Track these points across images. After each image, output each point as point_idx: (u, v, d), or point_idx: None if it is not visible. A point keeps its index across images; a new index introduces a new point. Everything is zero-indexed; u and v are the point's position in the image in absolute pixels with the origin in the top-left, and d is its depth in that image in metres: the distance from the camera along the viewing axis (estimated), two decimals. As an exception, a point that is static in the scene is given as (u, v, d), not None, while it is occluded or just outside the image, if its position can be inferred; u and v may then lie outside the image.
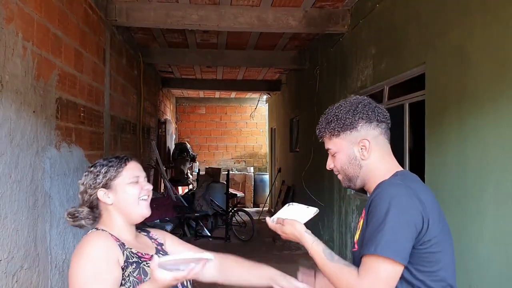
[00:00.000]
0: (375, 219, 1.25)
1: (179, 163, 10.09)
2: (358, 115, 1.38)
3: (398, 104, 3.69)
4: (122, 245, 1.42)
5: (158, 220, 6.61)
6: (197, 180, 8.60)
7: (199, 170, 10.04)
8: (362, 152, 1.39)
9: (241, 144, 12.74)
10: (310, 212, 1.49)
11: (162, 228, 5.63)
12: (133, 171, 1.51)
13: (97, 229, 1.46)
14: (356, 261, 1.34)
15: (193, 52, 6.77)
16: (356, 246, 1.37)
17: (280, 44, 6.35)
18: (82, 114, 3.61)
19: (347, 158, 1.40)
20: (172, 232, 6.82)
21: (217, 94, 11.83)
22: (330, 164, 1.47)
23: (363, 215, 1.40)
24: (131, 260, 1.40)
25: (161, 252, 1.55)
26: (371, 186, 1.41)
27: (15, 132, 2.44)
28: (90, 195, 1.48)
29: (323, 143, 1.49)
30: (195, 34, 5.86)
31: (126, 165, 1.50)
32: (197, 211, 7.40)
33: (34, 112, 2.67)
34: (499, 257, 2.27)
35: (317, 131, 1.47)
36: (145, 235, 1.61)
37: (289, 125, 8.42)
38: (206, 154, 12.67)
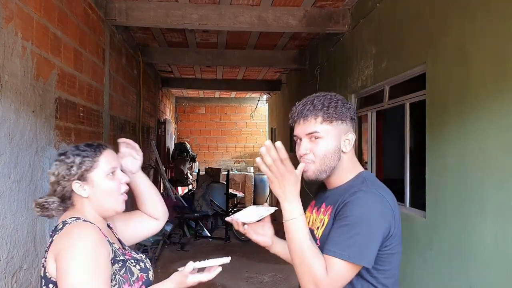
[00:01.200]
0: (349, 223, 1.26)
1: (179, 163, 10.08)
2: (350, 111, 1.42)
3: (398, 103, 3.68)
4: (108, 239, 1.37)
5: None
6: (197, 180, 8.59)
7: (199, 170, 10.04)
8: (345, 145, 1.40)
9: (241, 144, 12.73)
10: (269, 210, 1.50)
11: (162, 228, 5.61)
12: (109, 161, 1.42)
13: (78, 218, 1.36)
14: None
15: (193, 51, 6.76)
16: (318, 242, 1.36)
17: (280, 43, 6.34)
18: (81, 114, 3.60)
19: (334, 147, 1.38)
20: (172, 232, 6.82)
21: (217, 94, 11.81)
22: (306, 149, 1.40)
23: (328, 212, 1.39)
24: (118, 258, 1.36)
25: (125, 243, 1.53)
26: (335, 180, 1.43)
27: (14, 132, 2.43)
28: (64, 187, 1.38)
29: None
30: (195, 34, 5.85)
31: (101, 154, 1.42)
32: (197, 211, 7.39)
33: (33, 112, 2.66)
34: (499, 257, 2.26)
35: (306, 110, 1.40)
36: (108, 228, 1.53)
37: (289, 125, 8.40)
38: (206, 154, 12.66)
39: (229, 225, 7.46)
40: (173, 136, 11.48)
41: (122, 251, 1.42)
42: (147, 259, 1.53)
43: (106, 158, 1.42)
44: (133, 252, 1.50)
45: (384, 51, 3.81)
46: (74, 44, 3.42)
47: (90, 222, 1.36)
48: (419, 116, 3.30)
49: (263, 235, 1.52)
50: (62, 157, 1.40)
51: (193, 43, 6.40)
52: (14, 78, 2.42)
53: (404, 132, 3.55)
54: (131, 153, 1.60)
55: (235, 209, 7.73)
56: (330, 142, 1.38)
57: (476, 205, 2.47)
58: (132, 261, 1.41)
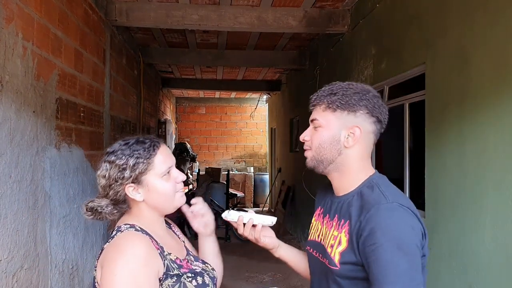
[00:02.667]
0: (384, 254, 1.10)
1: (179, 163, 10.07)
2: (364, 101, 1.25)
3: (398, 104, 3.68)
4: (162, 251, 1.24)
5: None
6: (197, 180, 8.60)
7: (199, 170, 10.05)
8: (348, 138, 1.26)
9: (241, 144, 12.74)
10: (272, 221, 1.43)
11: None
12: (165, 160, 1.29)
13: (131, 226, 1.25)
14: (332, 279, 1.24)
15: (193, 52, 6.77)
16: (338, 265, 1.21)
17: (280, 44, 6.35)
18: (82, 114, 3.61)
19: (330, 138, 1.26)
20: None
21: (217, 94, 11.82)
22: (306, 136, 1.32)
23: (344, 229, 1.23)
24: (171, 273, 1.22)
25: (190, 252, 1.41)
26: (342, 182, 1.30)
27: (15, 132, 2.44)
28: (117, 192, 1.26)
29: None
30: (195, 34, 5.86)
31: (156, 153, 1.28)
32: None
33: (34, 112, 2.67)
34: (499, 257, 2.27)
35: (315, 96, 1.31)
36: (168, 228, 1.44)
37: (289, 125, 8.42)
38: (206, 154, 12.67)
39: (229, 225, 7.48)
40: (173, 136, 11.49)
41: (180, 261, 1.28)
42: (213, 271, 1.40)
43: (161, 158, 1.29)
44: (196, 263, 1.37)
45: (383, 52, 3.82)
46: (75, 45, 3.43)
47: (143, 231, 1.24)
48: (419, 116, 3.31)
49: (270, 237, 1.45)
50: (113, 157, 1.27)
51: (193, 44, 6.41)
52: (15, 78, 2.42)
53: (403, 132, 3.56)
54: (203, 216, 1.48)
55: (235, 209, 7.72)
56: (328, 132, 1.26)
57: (476, 205, 2.47)
58: (189, 274, 1.27)
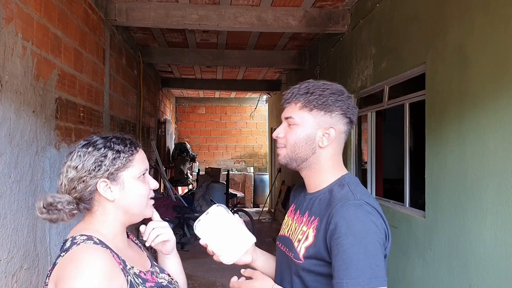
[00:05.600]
0: (349, 247, 1.11)
1: (179, 163, 10.09)
2: (339, 102, 1.27)
3: (398, 104, 3.68)
4: (124, 266, 1.11)
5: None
6: (197, 180, 8.59)
7: (199, 170, 10.04)
8: (322, 138, 1.27)
9: (241, 144, 12.74)
10: (250, 241, 1.34)
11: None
12: (143, 162, 1.21)
13: (89, 238, 1.10)
14: (295, 270, 1.25)
15: (193, 52, 6.77)
16: (302, 259, 1.22)
17: (280, 44, 6.34)
18: (81, 114, 3.60)
19: (305, 137, 1.27)
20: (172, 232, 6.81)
21: (217, 94, 11.82)
22: (280, 133, 1.32)
23: (313, 225, 1.23)
24: None
25: (154, 262, 1.32)
26: (314, 180, 1.31)
27: (14, 132, 2.43)
28: (86, 187, 1.12)
29: None
30: (195, 34, 5.85)
31: (137, 151, 1.20)
32: (197, 211, 7.39)
33: (33, 112, 2.66)
34: (499, 257, 2.27)
35: (290, 94, 1.32)
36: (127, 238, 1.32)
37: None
38: (206, 154, 12.67)
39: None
40: (173, 136, 11.49)
41: (144, 274, 1.18)
42: (177, 284, 1.30)
43: (140, 157, 1.20)
44: (162, 275, 1.26)
45: (383, 51, 3.82)
46: (75, 44, 3.43)
47: (103, 245, 1.10)
48: (419, 116, 3.30)
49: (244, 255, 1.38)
50: (90, 148, 1.14)
51: (193, 43, 6.41)
52: (15, 78, 2.42)
53: (403, 132, 3.56)
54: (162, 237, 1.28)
55: (235, 209, 7.74)
56: (304, 131, 1.27)
57: (476, 205, 2.47)
58: (152, 286, 1.17)
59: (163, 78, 9.14)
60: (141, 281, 1.14)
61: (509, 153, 2.19)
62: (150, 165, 7.27)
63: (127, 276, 1.10)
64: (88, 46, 3.78)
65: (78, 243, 1.09)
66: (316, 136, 1.27)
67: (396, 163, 3.81)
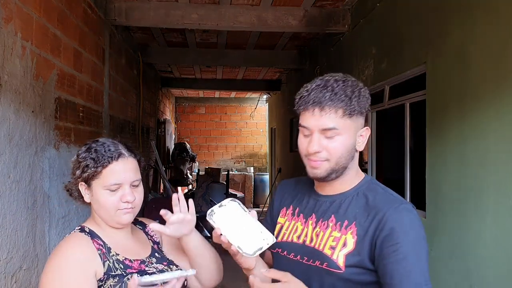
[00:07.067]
0: (407, 253, 1.09)
1: (179, 163, 10.08)
2: (369, 100, 1.19)
3: (398, 104, 3.68)
4: (105, 253, 1.24)
5: (158, 221, 6.60)
6: (197, 180, 8.58)
7: (198, 170, 10.04)
8: (359, 141, 1.19)
9: (241, 144, 12.73)
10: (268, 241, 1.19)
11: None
12: (114, 176, 1.25)
13: (81, 229, 1.29)
14: (330, 281, 1.16)
15: (193, 51, 6.76)
16: (343, 268, 1.14)
17: (280, 43, 6.34)
18: (81, 114, 3.60)
19: (351, 145, 1.17)
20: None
21: (217, 94, 11.81)
22: (321, 147, 1.15)
23: (350, 230, 1.16)
24: (113, 273, 1.22)
25: (157, 253, 1.38)
26: (341, 183, 1.22)
27: (14, 132, 2.43)
28: (73, 183, 1.32)
29: None
30: (195, 34, 5.85)
31: (107, 166, 1.25)
32: (197, 212, 7.37)
33: (33, 112, 2.65)
34: (499, 257, 2.26)
35: (325, 98, 1.13)
36: (141, 229, 1.43)
37: (289, 125, 8.41)
38: (206, 154, 12.66)
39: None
40: (173, 136, 11.48)
41: (130, 262, 1.27)
42: (180, 270, 1.32)
43: (113, 170, 1.25)
44: (156, 264, 1.32)
45: (384, 51, 3.81)
46: (74, 44, 3.42)
47: (89, 233, 1.27)
48: (419, 116, 3.30)
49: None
50: (80, 151, 1.30)
51: (193, 43, 6.40)
52: (14, 78, 2.41)
53: (404, 132, 3.55)
54: (182, 220, 1.35)
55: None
56: (348, 139, 1.16)
57: (476, 205, 2.47)
58: (136, 275, 1.21)
59: (162, 78, 9.13)
60: (122, 267, 1.25)
61: (510, 153, 2.19)
62: (149, 165, 7.31)
63: (105, 261, 1.23)
64: (87, 46, 3.77)
65: (71, 233, 1.30)
66: (355, 141, 1.19)
67: (396, 163, 3.80)
